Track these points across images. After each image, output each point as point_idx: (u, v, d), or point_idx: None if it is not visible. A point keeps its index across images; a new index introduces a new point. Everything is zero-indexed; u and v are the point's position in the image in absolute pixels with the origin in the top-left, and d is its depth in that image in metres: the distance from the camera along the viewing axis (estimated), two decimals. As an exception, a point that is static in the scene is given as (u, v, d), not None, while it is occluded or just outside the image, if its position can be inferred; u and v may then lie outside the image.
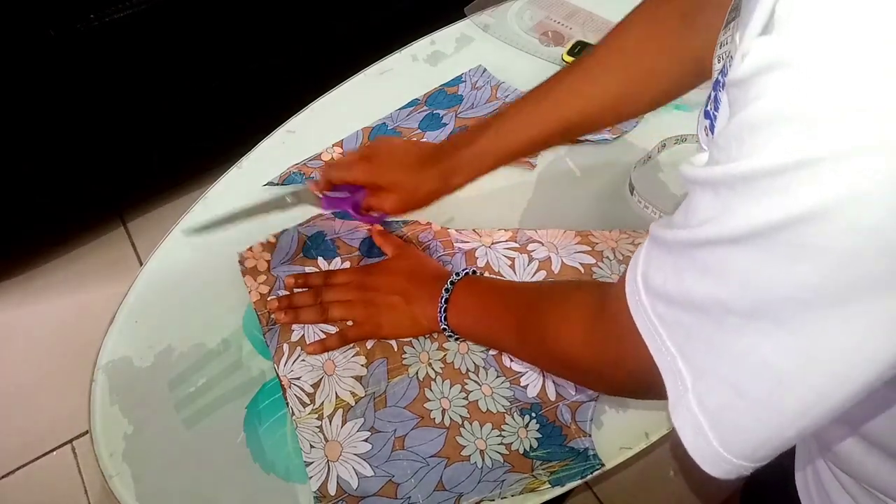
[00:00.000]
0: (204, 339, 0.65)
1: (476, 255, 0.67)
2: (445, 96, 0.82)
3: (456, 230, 0.69)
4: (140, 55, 1.23)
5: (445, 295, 0.57)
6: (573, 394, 0.59)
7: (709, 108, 0.33)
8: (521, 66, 0.85)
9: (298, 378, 0.60)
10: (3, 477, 1.25)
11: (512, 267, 0.66)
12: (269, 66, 1.39)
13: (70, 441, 1.28)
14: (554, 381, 0.60)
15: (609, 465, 0.57)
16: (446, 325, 0.58)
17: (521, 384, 0.60)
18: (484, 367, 0.61)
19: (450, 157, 0.60)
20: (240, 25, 1.30)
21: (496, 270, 0.66)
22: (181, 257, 0.70)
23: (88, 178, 1.37)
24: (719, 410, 0.29)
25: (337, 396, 0.60)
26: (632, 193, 0.72)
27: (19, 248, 1.44)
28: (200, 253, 0.70)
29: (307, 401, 0.59)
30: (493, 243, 0.68)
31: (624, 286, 0.35)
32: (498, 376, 0.60)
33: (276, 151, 0.78)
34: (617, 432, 0.59)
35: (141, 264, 0.72)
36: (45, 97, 1.18)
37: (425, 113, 0.80)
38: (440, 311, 0.57)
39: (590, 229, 0.69)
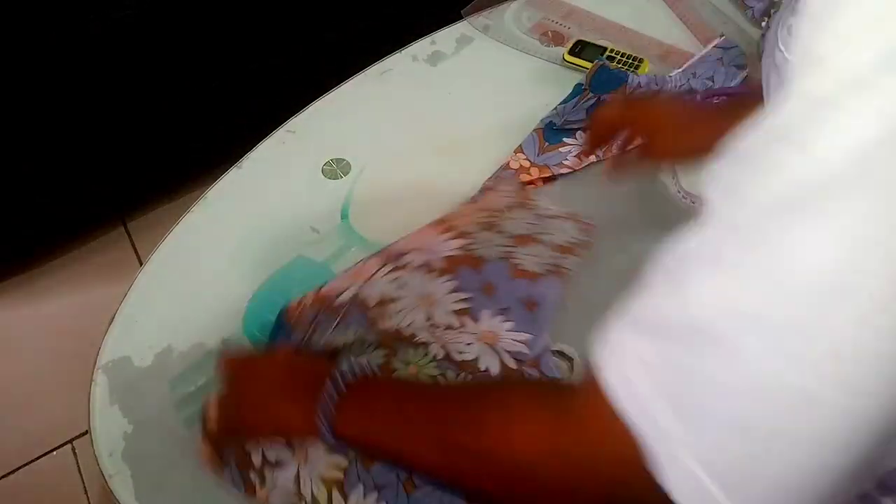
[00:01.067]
0: (204, 339, 0.65)
1: (364, 295, 0.61)
2: (608, 74, 0.78)
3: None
4: (140, 55, 1.22)
5: (333, 397, 0.46)
6: None
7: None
8: (523, 67, 0.85)
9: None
10: (3, 477, 1.25)
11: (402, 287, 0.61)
12: (269, 66, 1.39)
13: (70, 441, 1.28)
14: None
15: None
16: (331, 436, 0.46)
17: None
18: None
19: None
20: (240, 25, 1.30)
21: (392, 297, 0.60)
22: (181, 257, 0.70)
23: (89, 178, 1.37)
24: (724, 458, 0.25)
25: (323, 479, 0.53)
26: (673, 179, 0.73)
27: (19, 248, 1.43)
28: (200, 253, 0.70)
29: None
30: (369, 278, 0.62)
31: (589, 377, 0.30)
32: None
33: (276, 151, 0.78)
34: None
35: (141, 264, 0.72)
36: (46, 97, 1.18)
37: (592, 101, 0.77)
38: (321, 419, 0.46)
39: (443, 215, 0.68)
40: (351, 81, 0.85)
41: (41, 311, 1.43)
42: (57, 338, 1.38)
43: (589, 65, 0.82)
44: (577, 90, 0.79)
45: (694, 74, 0.80)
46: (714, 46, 0.83)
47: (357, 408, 0.46)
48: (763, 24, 0.85)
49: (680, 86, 0.76)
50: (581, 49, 0.84)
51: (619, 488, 0.30)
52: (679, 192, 0.73)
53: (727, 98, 0.76)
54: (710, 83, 0.79)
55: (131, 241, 1.54)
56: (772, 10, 0.84)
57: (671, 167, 0.70)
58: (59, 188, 1.34)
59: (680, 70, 0.81)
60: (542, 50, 0.87)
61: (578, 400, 0.32)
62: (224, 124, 1.41)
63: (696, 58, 0.82)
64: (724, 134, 0.48)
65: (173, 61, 1.28)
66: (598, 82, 0.77)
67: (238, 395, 0.54)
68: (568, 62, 0.84)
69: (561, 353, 0.60)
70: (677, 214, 0.72)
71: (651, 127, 0.59)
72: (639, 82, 0.76)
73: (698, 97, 0.77)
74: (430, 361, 0.58)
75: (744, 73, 0.81)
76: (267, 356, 0.58)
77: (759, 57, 0.82)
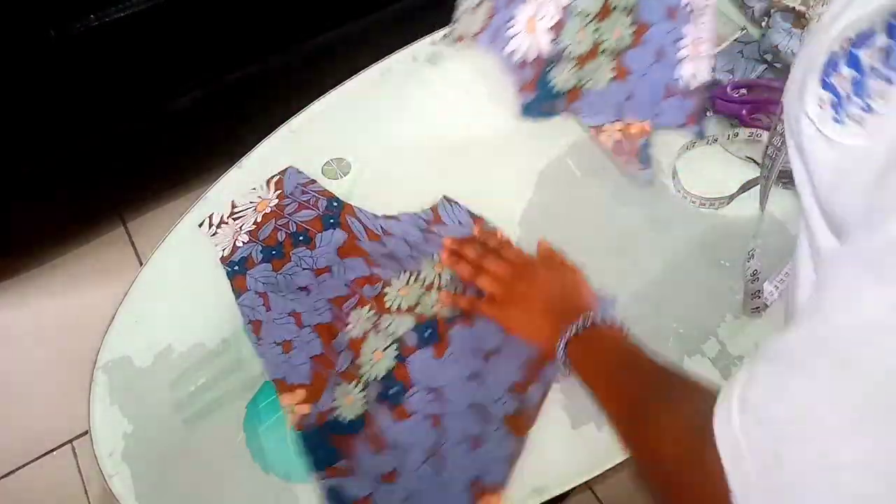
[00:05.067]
0: (204, 339, 0.65)
1: None
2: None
3: None
4: (140, 55, 1.22)
5: (572, 330, 0.55)
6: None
7: (829, 78, 0.34)
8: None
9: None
10: (3, 477, 1.25)
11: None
12: (269, 66, 1.39)
13: (70, 441, 1.28)
14: None
15: (609, 465, 0.57)
16: (564, 354, 0.56)
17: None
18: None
19: None
20: (240, 26, 1.30)
21: None
22: (181, 257, 0.70)
23: (88, 178, 1.37)
24: None
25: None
26: (674, 179, 0.73)
27: (19, 248, 1.43)
28: (200, 253, 0.70)
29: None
30: None
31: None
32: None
33: (276, 151, 0.78)
34: (617, 432, 0.59)
35: (141, 264, 0.72)
36: (45, 97, 1.18)
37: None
38: (561, 345, 0.55)
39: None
40: (351, 81, 0.85)
41: (41, 311, 1.44)
42: (57, 338, 1.38)
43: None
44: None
45: (713, 68, 0.81)
46: (734, 40, 0.84)
47: (592, 346, 0.55)
48: (763, 24, 0.85)
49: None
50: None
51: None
52: (679, 191, 0.73)
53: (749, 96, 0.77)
54: (731, 75, 0.80)
55: (131, 241, 1.54)
56: (772, 10, 0.84)
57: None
58: (59, 188, 1.34)
59: None
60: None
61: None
62: (224, 124, 1.41)
63: (716, 50, 0.83)
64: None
65: (173, 61, 1.28)
66: None
67: (511, 291, 0.61)
68: (568, 62, 0.84)
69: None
70: (677, 214, 0.72)
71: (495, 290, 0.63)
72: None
73: (728, 89, 0.77)
74: None
75: (763, 67, 0.81)
76: (547, 267, 0.65)
77: (760, 56, 0.82)
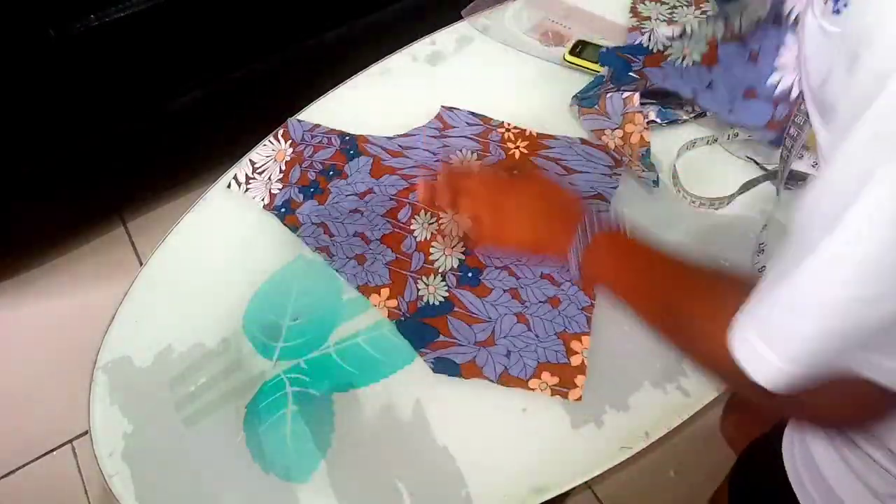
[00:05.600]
0: (204, 339, 0.65)
1: None
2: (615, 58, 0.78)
3: None
4: (140, 55, 1.22)
5: (580, 235, 0.53)
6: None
7: None
8: (524, 67, 0.85)
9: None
10: (3, 477, 1.25)
11: None
12: (269, 65, 1.39)
13: (70, 441, 1.28)
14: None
15: (609, 465, 0.57)
16: (577, 268, 0.54)
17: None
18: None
19: None
20: (240, 25, 1.30)
21: None
22: (181, 257, 0.70)
23: (88, 178, 1.37)
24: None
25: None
26: (674, 180, 0.73)
27: (19, 248, 1.43)
28: (200, 253, 0.70)
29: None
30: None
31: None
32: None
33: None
34: (617, 432, 0.59)
35: (141, 264, 0.72)
36: (45, 97, 1.18)
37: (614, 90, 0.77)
38: (574, 253, 0.53)
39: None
40: (351, 81, 0.85)
41: (41, 311, 1.44)
42: (57, 338, 1.38)
43: (589, 64, 0.82)
44: (596, 97, 0.77)
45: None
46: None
47: (605, 254, 0.53)
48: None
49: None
50: (581, 49, 0.84)
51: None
52: (679, 191, 0.73)
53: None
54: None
55: (131, 241, 1.54)
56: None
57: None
58: (59, 188, 1.34)
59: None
60: (542, 50, 0.87)
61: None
62: (224, 124, 1.41)
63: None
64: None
65: (173, 61, 1.28)
66: (616, 69, 0.78)
67: (496, 208, 0.58)
68: (568, 62, 0.84)
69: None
70: (677, 214, 0.72)
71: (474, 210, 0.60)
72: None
73: None
74: None
75: None
76: (523, 179, 0.62)
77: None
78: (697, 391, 0.61)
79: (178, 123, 1.38)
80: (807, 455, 0.50)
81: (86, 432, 0.60)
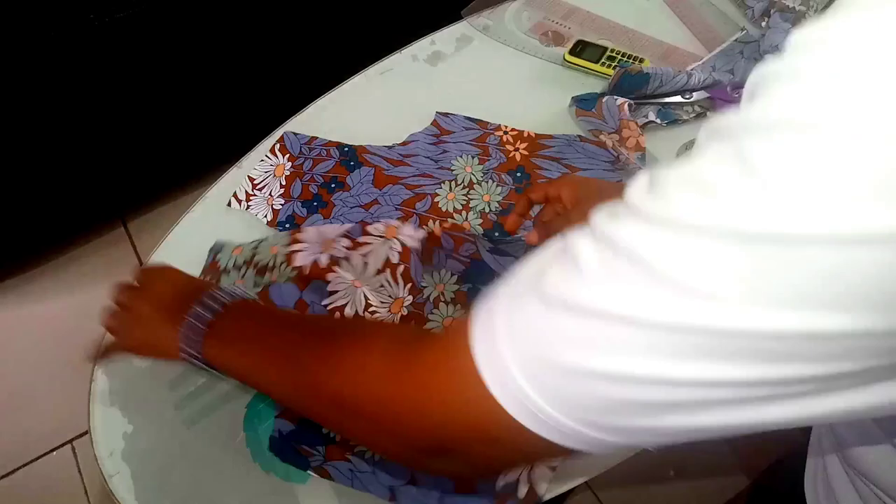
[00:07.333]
0: (204, 339, 0.65)
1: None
2: (631, 79, 0.76)
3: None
4: (140, 55, 1.22)
5: (205, 315, 0.46)
6: None
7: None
8: (524, 67, 0.85)
9: None
10: (3, 477, 1.25)
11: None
12: (269, 65, 1.39)
13: (70, 441, 1.28)
14: None
15: (609, 465, 0.57)
16: (195, 353, 0.46)
17: None
18: None
19: None
20: (240, 25, 1.30)
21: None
22: (181, 257, 0.70)
23: (89, 178, 1.37)
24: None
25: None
26: None
27: (19, 248, 1.44)
28: (200, 253, 0.70)
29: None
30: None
31: (462, 322, 0.29)
32: None
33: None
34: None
35: (141, 264, 0.72)
36: (46, 97, 1.18)
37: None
38: (184, 340, 0.46)
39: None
40: (351, 81, 0.85)
41: (41, 311, 1.44)
42: (57, 338, 1.38)
43: (589, 64, 0.82)
44: (593, 100, 0.78)
45: (714, 67, 0.81)
46: (735, 40, 0.84)
47: (224, 330, 0.46)
48: (763, 24, 0.85)
49: (703, 80, 0.76)
50: (581, 49, 0.84)
51: (460, 406, 0.29)
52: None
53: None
54: (731, 76, 0.79)
55: (131, 241, 1.54)
56: (772, 10, 0.84)
57: None
58: (58, 188, 1.34)
59: (700, 63, 0.82)
60: (542, 50, 0.87)
61: (435, 342, 0.31)
62: (224, 124, 1.41)
63: (716, 51, 0.83)
64: None
65: (174, 61, 1.28)
66: (622, 88, 0.77)
67: (126, 309, 0.53)
68: (568, 62, 0.84)
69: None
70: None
71: (573, 200, 0.60)
72: (661, 79, 0.76)
73: (728, 89, 0.77)
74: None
75: None
76: (156, 270, 0.56)
77: (760, 56, 0.82)
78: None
79: (179, 123, 1.38)
80: (828, 488, 0.49)
81: (86, 432, 0.60)
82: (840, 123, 0.19)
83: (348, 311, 0.61)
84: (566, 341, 0.24)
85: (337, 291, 0.62)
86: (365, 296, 0.62)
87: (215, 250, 0.69)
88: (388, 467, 0.55)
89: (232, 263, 0.67)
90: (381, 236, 0.64)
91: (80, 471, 1.25)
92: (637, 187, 0.24)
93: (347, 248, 0.64)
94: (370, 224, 0.65)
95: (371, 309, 0.62)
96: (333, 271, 0.63)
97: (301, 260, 0.63)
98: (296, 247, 0.64)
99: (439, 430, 0.30)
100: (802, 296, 0.20)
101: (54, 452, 1.27)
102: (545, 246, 0.28)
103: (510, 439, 0.27)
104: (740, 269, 0.20)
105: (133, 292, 0.53)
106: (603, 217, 0.25)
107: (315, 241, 0.65)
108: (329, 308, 0.62)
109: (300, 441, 0.57)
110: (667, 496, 1.20)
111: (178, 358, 0.48)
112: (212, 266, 0.68)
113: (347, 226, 0.65)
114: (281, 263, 0.64)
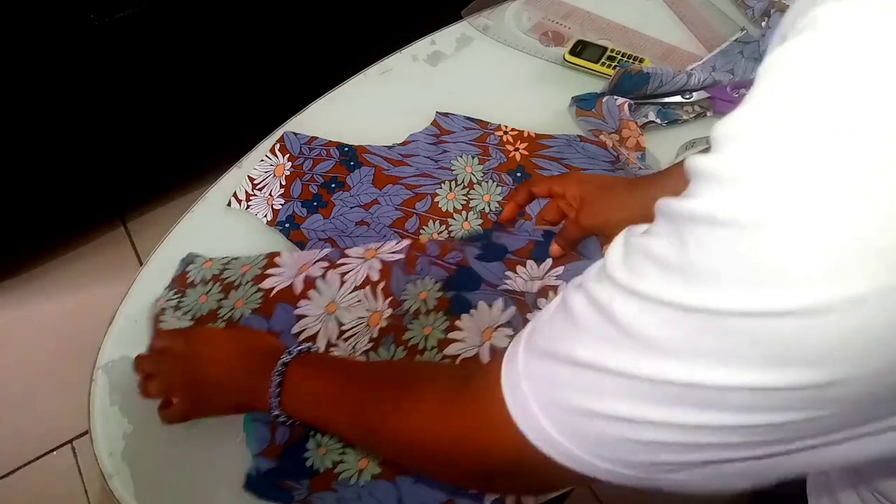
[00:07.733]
0: (204, 339, 0.64)
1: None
2: (631, 79, 0.76)
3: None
4: (140, 55, 1.23)
5: (278, 378, 0.50)
6: None
7: None
8: (524, 67, 0.85)
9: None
10: (3, 477, 1.25)
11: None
12: (269, 65, 1.39)
13: (70, 441, 1.28)
14: None
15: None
16: (280, 411, 0.51)
17: None
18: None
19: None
20: (240, 25, 1.30)
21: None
22: (181, 257, 0.70)
23: (89, 178, 1.37)
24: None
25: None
26: None
27: (19, 248, 1.44)
28: (200, 252, 0.70)
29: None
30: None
31: (497, 363, 0.34)
32: None
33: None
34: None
35: (141, 264, 0.72)
36: (46, 97, 1.18)
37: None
38: (272, 397, 0.50)
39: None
40: (351, 81, 0.85)
41: (41, 311, 1.44)
42: (57, 338, 1.38)
43: (589, 64, 0.82)
44: (593, 100, 0.77)
45: (714, 67, 0.81)
46: (735, 40, 0.84)
47: (297, 386, 0.50)
48: (763, 24, 0.85)
49: (703, 80, 0.76)
50: (581, 49, 0.84)
51: (501, 453, 0.33)
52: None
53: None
54: (731, 75, 0.79)
55: (131, 241, 1.54)
56: (772, 10, 0.84)
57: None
58: (58, 188, 1.34)
59: (700, 63, 0.82)
60: (542, 50, 0.87)
61: (478, 376, 0.36)
62: (224, 124, 1.41)
63: (716, 51, 0.83)
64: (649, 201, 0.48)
65: (174, 61, 1.28)
66: (622, 88, 0.77)
67: (194, 372, 0.56)
68: (568, 62, 0.84)
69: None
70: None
71: (579, 199, 0.60)
72: (661, 79, 0.76)
73: (728, 89, 0.77)
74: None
75: None
76: (211, 331, 0.60)
77: (760, 56, 0.82)
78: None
79: (179, 123, 1.38)
80: (830, 490, 0.48)
81: (86, 432, 0.60)
82: (778, 220, 0.22)
83: (320, 340, 0.60)
84: (571, 388, 0.29)
85: (306, 316, 0.62)
86: (339, 321, 0.61)
87: (187, 261, 0.68)
88: (376, 492, 0.54)
89: (200, 277, 0.66)
90: (360, 258, 0.64)
91: (80, 471, 1.25)
92: (614, 255, 0.28)
93: (324, 268, 0.64)
94: (349, 248, 0.65)
95: (346, 335, 0.60)
96: (307, 297, 0.62)
97: (272, 283, 0.63)
98: (271, 270, 0.65)
99: (487, 462, 0.35)
100: (732, 356, 0.23)
101: (54, 452, 1.27)
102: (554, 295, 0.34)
103: (546, 466, 0.31)
104: (687, 333, 0.24)
105: (189, 353, 0.57)
106: (593, 278, 0.29)
107: (292, 266, 0.65)
108: (301, 337, 0.61)
109: (283, 477, 0.56)
110: (667, 496, 1.19)
111: (264, 404, 0.51)
112: (180, 277, 0.67)
113: (327, 250, 0.65)
114: (247, 282, 0.64)
